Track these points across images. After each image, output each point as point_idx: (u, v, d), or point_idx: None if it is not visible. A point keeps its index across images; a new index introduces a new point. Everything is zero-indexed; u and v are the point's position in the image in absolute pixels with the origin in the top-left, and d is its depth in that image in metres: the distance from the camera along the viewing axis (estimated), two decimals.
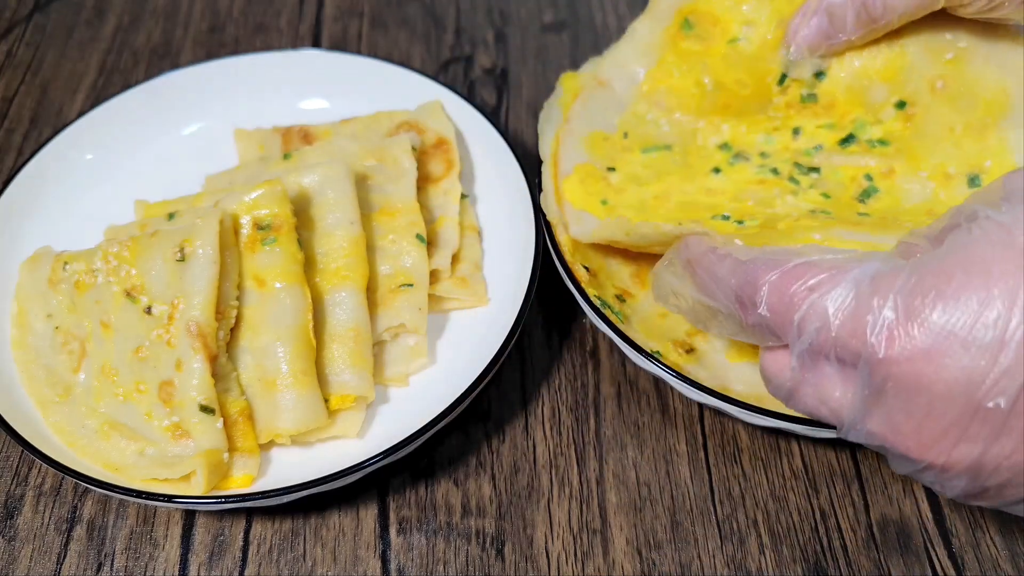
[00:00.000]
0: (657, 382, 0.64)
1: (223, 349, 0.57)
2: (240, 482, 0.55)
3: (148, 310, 0.57)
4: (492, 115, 0.75)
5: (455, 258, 0.66)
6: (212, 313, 0.56)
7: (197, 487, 0.53)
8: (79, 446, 0.56)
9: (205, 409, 0.55)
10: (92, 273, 0.60)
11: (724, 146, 0.69)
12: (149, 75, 0.78)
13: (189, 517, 0.58)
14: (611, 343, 0.65)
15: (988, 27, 0.67)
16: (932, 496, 0.59)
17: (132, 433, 0.56)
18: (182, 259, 0.57)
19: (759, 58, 0.71)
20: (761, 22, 0.70)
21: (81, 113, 0.73)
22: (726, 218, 0.62)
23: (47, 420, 0.58)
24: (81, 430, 0.57)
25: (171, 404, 0.56)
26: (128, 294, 0.58)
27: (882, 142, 0.67)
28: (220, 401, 0.56)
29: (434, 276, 0.64)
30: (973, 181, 0.65)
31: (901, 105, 0.67)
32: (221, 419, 0.55)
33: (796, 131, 0.69)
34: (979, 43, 0.67)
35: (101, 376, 0.58)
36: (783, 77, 0.70)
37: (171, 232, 0.58)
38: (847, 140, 0.68)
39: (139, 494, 0.53)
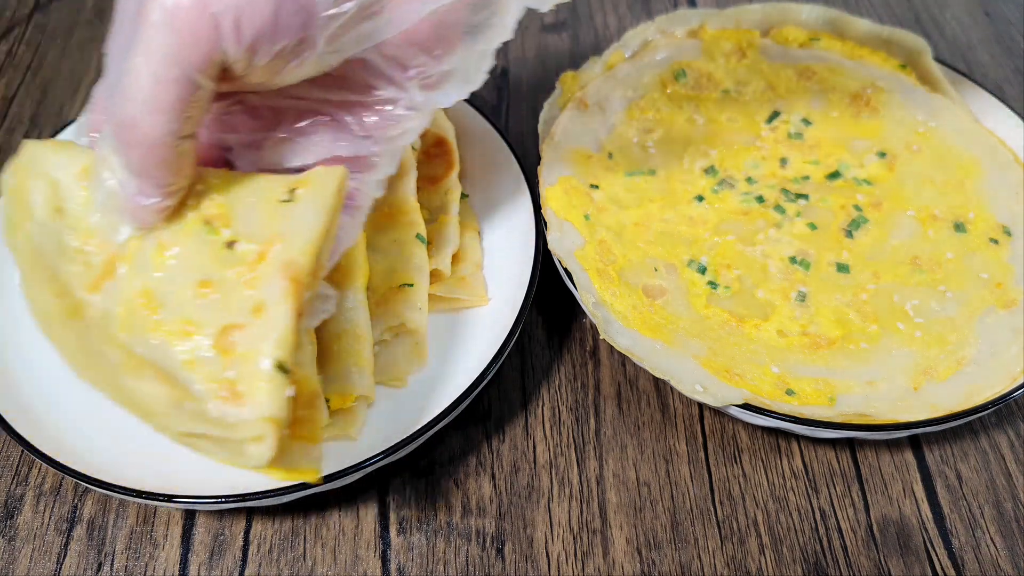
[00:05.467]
0: (657, 382, 0.64)
1: (307, 313, 0.48)
2: (307, 474, 0.47)
3: (230, 244, 0.48)
4: (492, 115, 0.75)
5: (455, 258, 0.66)
6: (314, 262, 0.47)
7: (257, 457, 0.44)
8: (95, 374, 0.47)
9: (281, 368, 0.45)
10: None
11: (710, 170, 0.70)
12: None
13: (189, 517, 0.58)
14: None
15: (954, 112, 0.73)
16: (932, 496, 0.59)
17: (167, 377, 0.46)
18: (290, 200, 0.48)
19: (750, 103, 0.74)
20: (752, 82, 0.74)
21: (82, 113, 0.73)
22: (703, 271, 0.64)
23: (51, 333, 0.48)
24: (96, 356, 0.47)
25: (231, 355, 0.46)
26: (207, 222, 0.49)
27: (867, 182, 0.70)
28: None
29: (434, 276, 0.64)
30: (959, 227, 0.67)
31: (882, 155, 0.71)
32: (293, 387, 0.46)
33: (784, 161, 0.71)
34: (947, 124, 0.73)
35: (133, 303, 0.48)
36: (773, 116, 0.73)
37: (282, 175, 0.50)
38: (833, 176, 0.70)
39: (139, 494, 0.53)
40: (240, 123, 0.52)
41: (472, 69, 0.50)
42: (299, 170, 0.50)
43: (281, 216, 0.48)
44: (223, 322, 0.46)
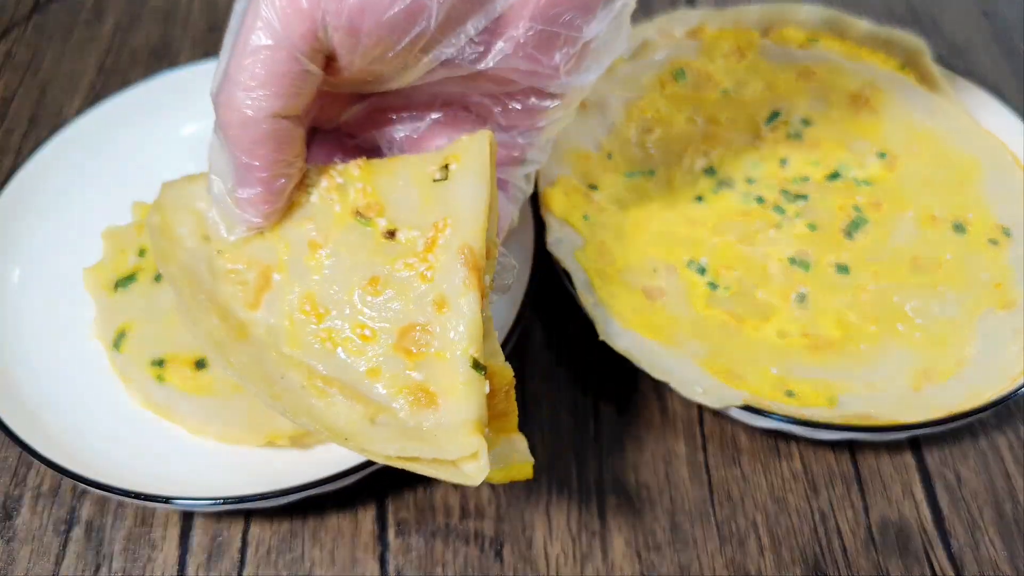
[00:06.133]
0: (656, 384, 0.63)
1: (488, 295, 0.45)
2: (521, 471, 0.45)
3: (390, 234, 0.45)
4: None
5: None
6: (484, 242, 0.44)
7: (475, 475, 0.41)
8: (284, 400, 0.43)
9: (477, 366, 0.42)
10: (304, 190, 0.47)
11: (710, 170, 0.70)
12: (148, 75, 0.77)
13: (187, 518, 0.58)
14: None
15: (953, 112, 0.73)
16: (931, 498, 0.59)
17: (353, 392, 0.43)
18: (444, 178, 0.45)
19: (750, 103, 0.74)
20: (752, 82, 0.74)
21: (80, 113, 0.73)
22: (702, 272, 0.64)
23: (228, 360, 0.44)
24: (281, 381, 0.44)
25: (418, 357, 0.43)
26: (358, 214, 0.46)
27: (867, 182, 0.70)
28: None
29: None
30: (958, 228, 0.67)
31: (882, 155, 0.71)
32: (488, 383, 0.43)
33: (783, 161, 0.71)
34: (946, 125, 0.73)
35: (296, 313, 0.45)
36: (772, 116, 0.73)
37: (424, 154, 0.48)
38: (833, 176, 0.70)
39: (137, 495, 0.52)
40: (382, 121, 0.50)
41: (611, 38, 0.47)
42: None
43: (439, 197, 0.45)
44: (403, 322, 0.44)
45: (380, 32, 0.42)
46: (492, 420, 0.44)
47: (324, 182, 0.47)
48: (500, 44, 0.44)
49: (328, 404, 0.43)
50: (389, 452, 0.42)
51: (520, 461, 0.44)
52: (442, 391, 0.42)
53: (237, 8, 0.44)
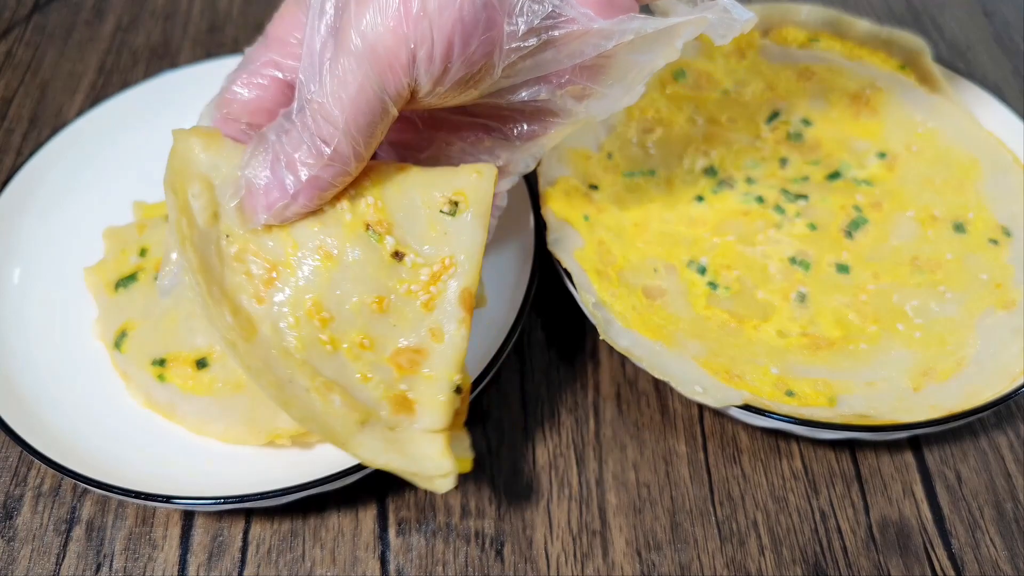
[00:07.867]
0: (657, 383, 0.64)
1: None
2: (462, 464, 0.49)
3: (397, 256, 0.49)
4: None
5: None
6: (478, 285, 0.50)
7: (444, 488, 0.47)
8: (294, 406, 0.47)
9: (457, 390, 0.49)
10: None
11: (710, 170, 0.70)
12: (148, 75, 0.78)
13: (188, 518, 0.58)
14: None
15: (953, 112, 0.73)
16: (932, 497, 0.59)
17: (349, 397, 0.47)
18: (451, 214, 0.49)
19: (750, 104, 0.74)
20: (752, 82, 0.74)
21: (80, 113, 0.73)
22: (702, 272, 0.64)
23: (243, 363, 0.47)
24: (290, 385, 0.47)
25: (409, 372, 0.48)
26: (368, 227, 0.49)
27: (867, 182, 0.70)
28: None
29: None
30: (959, 228, 0.67)
31: (882, 155, 0.71)
32: (460, 400, 0.49)
33: (784, 161, 0.71)
34: (946, 125, 0.73)
35: (305, 315, 0.48)
36: (773, 116, 0.73)
37: (431, 173, 0.50)
38: (833, 176, 0.70)
39: (138, 495, 0.52)
40: (404, 128, 0.54)
41: (633, 82, 0.50)
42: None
43: (445, 232, 0.49)
44: (401, 344, 0.49)
45: (455, 84, 0.45)
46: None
47: None
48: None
49: (328, 408, 0.47)
50: (378, 462, 0.47)
51: (462, 456, 0.49)
52: (420, 401, 0.48)
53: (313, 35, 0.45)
